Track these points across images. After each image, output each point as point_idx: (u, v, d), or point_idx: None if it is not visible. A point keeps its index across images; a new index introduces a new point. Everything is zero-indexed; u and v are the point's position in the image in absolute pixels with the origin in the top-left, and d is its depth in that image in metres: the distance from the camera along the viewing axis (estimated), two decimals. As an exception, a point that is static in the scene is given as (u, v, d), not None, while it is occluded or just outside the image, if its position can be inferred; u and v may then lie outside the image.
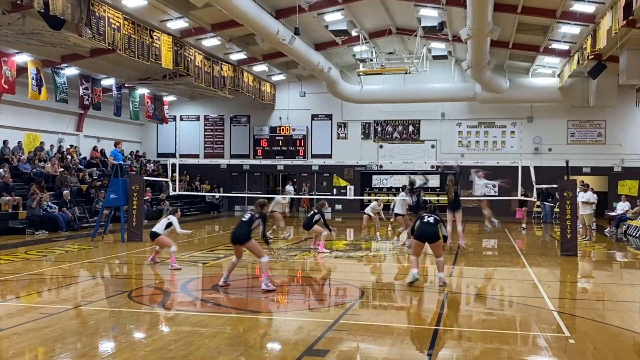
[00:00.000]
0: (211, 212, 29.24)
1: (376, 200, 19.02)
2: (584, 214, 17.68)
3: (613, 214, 21.28)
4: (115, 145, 18.03)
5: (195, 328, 7.28)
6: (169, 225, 12.11)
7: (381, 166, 29.18)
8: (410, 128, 29.39)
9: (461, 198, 14.96)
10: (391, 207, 17.65)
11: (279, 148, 30.41)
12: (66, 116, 25.54)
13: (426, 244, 10.32)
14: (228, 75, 24.30)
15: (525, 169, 15.63)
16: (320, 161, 29.09)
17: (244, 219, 9.65)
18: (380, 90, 27.54)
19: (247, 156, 30.74)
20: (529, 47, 22.79)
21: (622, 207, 20.45)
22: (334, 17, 20.88)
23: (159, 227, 12.14)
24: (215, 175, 30.88)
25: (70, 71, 22.61)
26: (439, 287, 10.03)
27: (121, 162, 17.36)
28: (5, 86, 19.76)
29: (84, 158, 25.74)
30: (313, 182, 30.20)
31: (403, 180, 29.06)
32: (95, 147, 26.99)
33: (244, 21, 18.11)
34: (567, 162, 15.99)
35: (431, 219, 10.30)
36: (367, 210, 18.14)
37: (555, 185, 16.19)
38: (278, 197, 18.24)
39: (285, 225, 18.85)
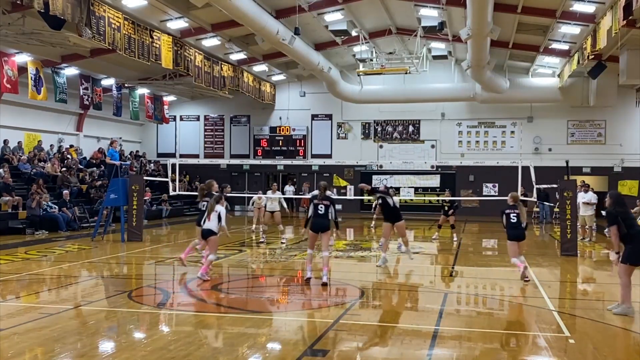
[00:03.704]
0: (211, 212, 29.14)
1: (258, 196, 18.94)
2: (584, 215, 17.38)
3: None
4: (111, 144, 18.00)
5: (195, 328, 7.28)
6: (219, 218, 10.37)
7: (381, 166, 29.17)
8: (410, 128, 29.38)
9: (461, 198, 14.84)
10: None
11: (279, 148, 30.38)
12: (66, 116, 25.53)
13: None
14: (228, 75, 24.29)
15: (525, 169, 15.62)
16: (320, 161, 29.07)
17: (320, 211, 10.09)
18: (380, 90, 27.51)
19: (247, 156, 30.70)
20: (529, 47, 22.77)
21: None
22: (334, 17, 20.87)
23: (213, 224, 10.28)
24: (215, 176, 30.72)
25: (70, 71, 22.60)
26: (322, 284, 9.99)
27: (119, 161, 17.34)
28: (8, 85, 19.73)
29: (84, 158, 25.74)
30: (313, 182, 30.17)
31: (403, 181, 29.26)
32: (100, 148, 26.86)
33: (244, 21, 18.11)
34: (567, 162, 16.00)
35: (322, 209, 10.15)
36: (251, 206, 18.39)
37: (554, 185, 16.16)
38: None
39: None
